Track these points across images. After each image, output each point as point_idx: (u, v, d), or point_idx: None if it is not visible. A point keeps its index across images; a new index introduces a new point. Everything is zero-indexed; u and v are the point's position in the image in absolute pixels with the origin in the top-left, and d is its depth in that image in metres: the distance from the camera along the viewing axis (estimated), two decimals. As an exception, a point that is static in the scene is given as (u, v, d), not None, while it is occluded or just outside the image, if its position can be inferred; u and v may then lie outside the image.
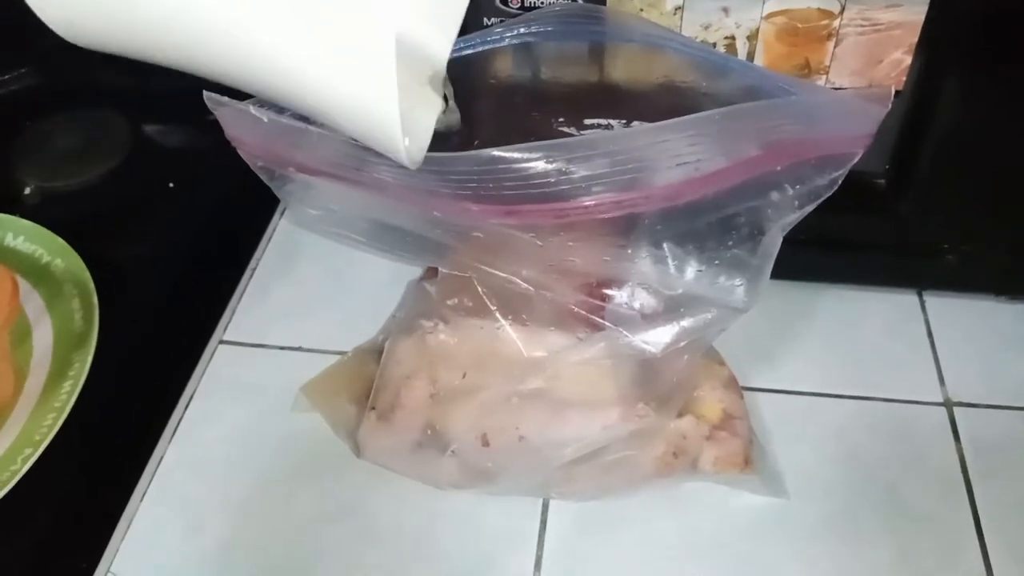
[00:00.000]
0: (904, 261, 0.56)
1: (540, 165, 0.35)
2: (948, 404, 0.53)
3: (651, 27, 0.46)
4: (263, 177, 0.42)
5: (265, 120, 0.38)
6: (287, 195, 0.43)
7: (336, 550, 0.48)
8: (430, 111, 0.38)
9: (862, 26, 0.46)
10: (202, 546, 0.48)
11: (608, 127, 0.48)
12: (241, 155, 0.42)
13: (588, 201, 0.36)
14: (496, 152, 0.34)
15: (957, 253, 0.54)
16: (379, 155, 0.36)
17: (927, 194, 0.52)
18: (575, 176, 0.35)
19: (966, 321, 0.57)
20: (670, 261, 0.40)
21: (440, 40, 0.38)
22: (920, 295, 0.59)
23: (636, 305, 0.42)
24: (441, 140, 0.38)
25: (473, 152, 0.35)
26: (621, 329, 0.42)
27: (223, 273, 0.62)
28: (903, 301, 0.58)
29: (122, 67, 0.73)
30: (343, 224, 0.44)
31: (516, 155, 0.34)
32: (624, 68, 0.48)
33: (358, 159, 0.37)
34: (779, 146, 0.38)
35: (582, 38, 0.46)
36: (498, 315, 0.44)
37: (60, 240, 0.58)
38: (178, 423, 0.53)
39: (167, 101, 0.69)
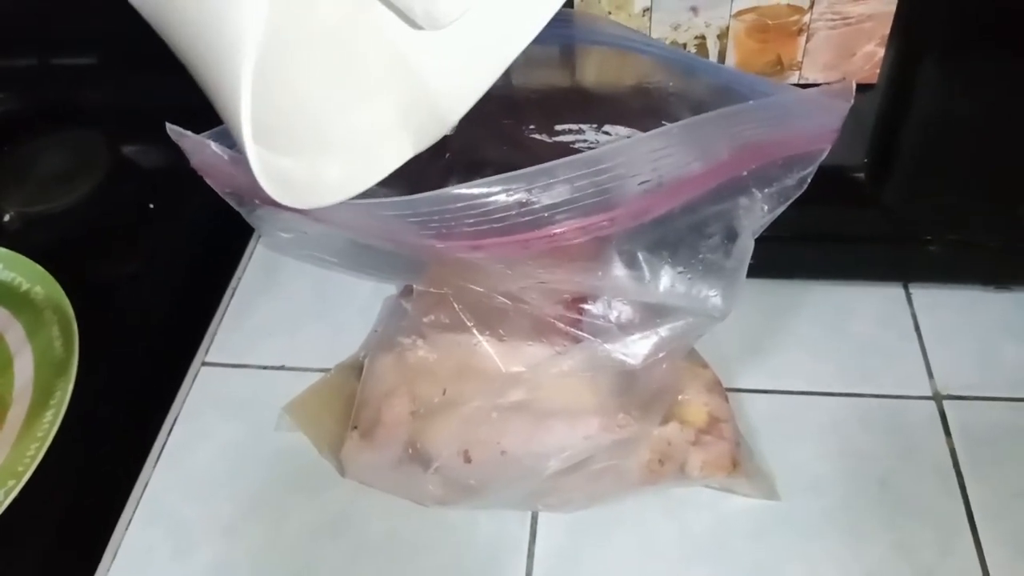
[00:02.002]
0: (888, 254, 0.56)
1: (501, 198, 0.34)
2: (937, 397, 0.53)
3: (619, 29, 0.45)
4: (232, 203, 0.42)
5: (226, 157, 0.38)
6: (258, 220, 0.43)
7: (328, 567, 0.47)
8: (392, 158, 0.37)
9: (832, 20, 0.46)
10: (192, 568, 0.48)
11: (579, 131, 0.47)
12: (209, 183, 0.42)
13: (553, 229, 0.35)
14: (455, 191, 0.34)
15: (941, 243, 0.54)
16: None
17: (907, 185, 0.51)
18: (537, 206, 0.34)
19: (953, 312, 0.56)
20: (644, 274, 0.40)
21: (457, 101, 0.37)
22: (906, 287, 0.58)
23: (613, 317, 0.42)
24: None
25: (433, 193, 0.34)
26: (599, 341, 0.42)
27: (204, 293, 0.61)
28: (889, 294, 0.58)
29: (98, 87, 0.73)
30: (316, 246, 0.44)
31: (476, 191, 0.34)
32: (593, 71, 0.48)
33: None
34: (744, 151, 0.37)
35: (550, 41, 0.45)
36: (475, 331, 0.44)
37: (39, 267, 0.58)
38: (163, 446, 0.53)
39: (144, 120, 0.69)
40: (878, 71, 0.47)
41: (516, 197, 0.34)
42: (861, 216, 0.54)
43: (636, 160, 0.35)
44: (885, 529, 0.47)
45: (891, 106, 0.49)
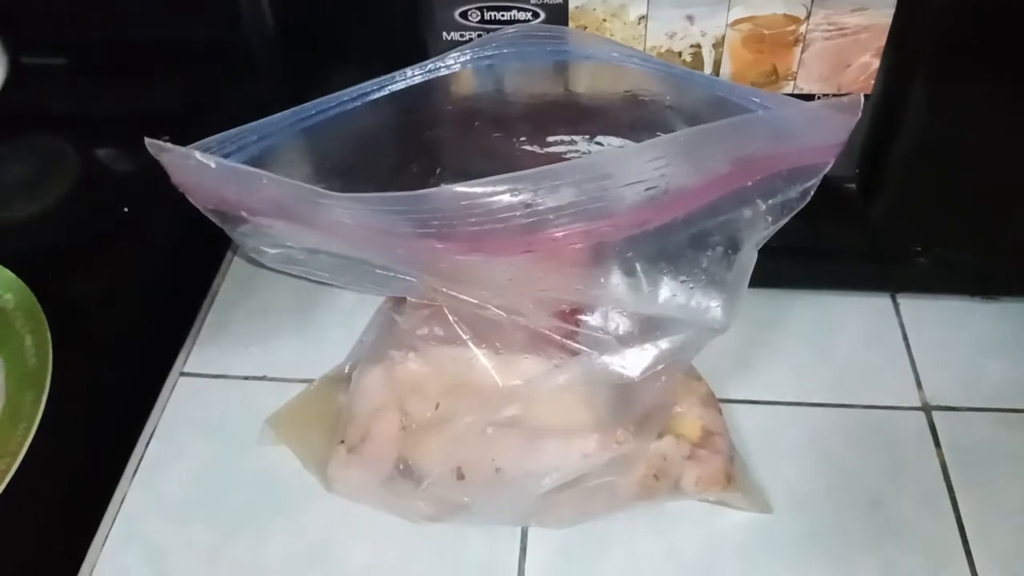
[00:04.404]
0: (877, 265, 0.56)
1: (505, 199, 0.33)
2: (927, 408, 0.53)
3: (614, 46, 0.45)
4: (215, 220, 0.41)
5: (212, 166, 0.37)
6: (242, 236, 0.41)
7: (312, 590, 0.46)
8: None
9: (828, 31, 0.45)
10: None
11: (572, 143, 0.47)
12: (190, 200, 0.40)
13: (556, 232, 0.34)
14: (459, 188, 0.33)
15: (930, 255, 0.54)
16: (333, 197, 0.35)
17: (898, 197, 0.51)
18: (541, 208, 0.34)
19: (941, 323, 0.57)
20: (644, 284, 0.39)
21: None
22: (894, 298, 0.58)
23: (611, 329, 0.41)
24: (400, 171, 0.36)
25: (435, 190, 0.33)
26: (596, 353, 0.41)
27: (182, 301, 0.60)
28: (877, 305, 0.58)
29: (69, 91, 0.71)
30: (303, 261, 0.42)
31: (480, 190, 0.33)
32: (586, 83, 0.47)
33: (312, 202, 0.36)
34: (748, 162, 0.37)
35: (542, 59, 0.45)
36: (471, 344, 0.43)
37: (10, 274, 0.56)
38: (139, 462, 0.52)
39: (118, 124, 0.67)
40: (873, 82, 0.47)
41: (520, 198, 0.34)
42: (851, 227, 0.53)
43: (642, 166, 0.35)
44: (876, 546, 0.47)
45: (885, 118, 0.48)
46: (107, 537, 0.48)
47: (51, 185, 0.62)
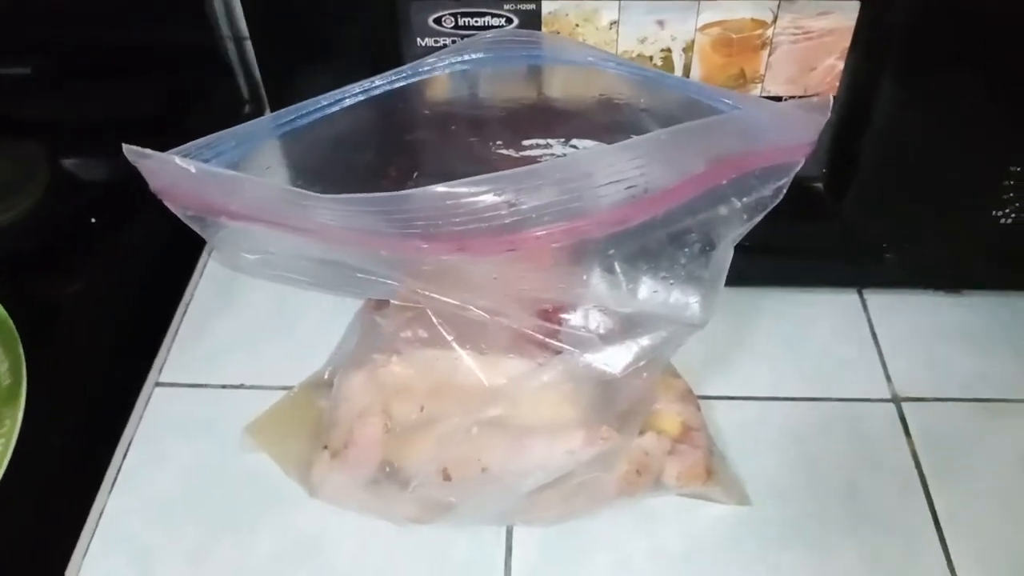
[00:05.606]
0: (845, 262, 0.57)
1: (489, 198, 0.34)
2: (896, 400, 0.54)
3: (588, 50, 0.45)
4: (194, 227, 0.41)
5: (193, 170, 0.37)
6: (220, 242, 0.41)
7: (298, 592, 0.46)
8: None
9: (795, 34, 0.47)
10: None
11: (547, 146, 0.47)
12: (169, 207, 0.40)
13: (539, 231, 0.35)
14: (443, 188, 0.34)
15: (895, 252, 0.55)
16: (318, 199, 0.35)
17: (863, 196, 0.53)
18: (524, 207, 0.34)
19: (907, 317, 0.58)
20: (624, 282, 0.40)
21: None
22: (860, 294, 0.60)
23: (593, 327, 0.42)
24: (378, 175, 0.36)
25: (419, 190, 0.34)
26: (579, 351, 0.42)
27: (155, 310, 0.59)
28: (845, 300, 0.59)
29: (38, 98, 0.70)
30: (283, 266, 0.42)
31: (464, 190, 0.34)
32: (561, 87, 0.48)
33: (296, 204, 0.36)
34: (723, 161, 0.38)
35: (518, 63, 0.45)
36: (455, 345, 0.43)
37: (-21, 289, 0.55)
38: (118, 471, 0.51)
39: (87, 132, 0.67)
40: (838, 84, 0.48)
41: (504, 197, 0.34)
42: (818, 225, 0.55)
43: (622, 165, 0.35)
44: (853, 535, 0.48)
45: (850, 118, 0.50)
46: (89, 544, 0.48)
47: (22, 193, 0.61)
